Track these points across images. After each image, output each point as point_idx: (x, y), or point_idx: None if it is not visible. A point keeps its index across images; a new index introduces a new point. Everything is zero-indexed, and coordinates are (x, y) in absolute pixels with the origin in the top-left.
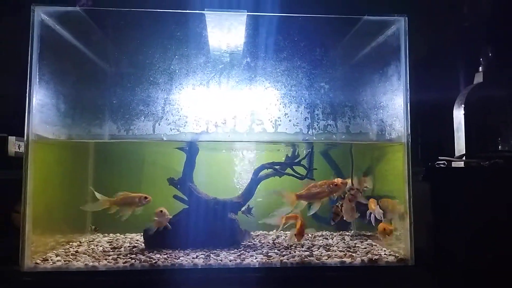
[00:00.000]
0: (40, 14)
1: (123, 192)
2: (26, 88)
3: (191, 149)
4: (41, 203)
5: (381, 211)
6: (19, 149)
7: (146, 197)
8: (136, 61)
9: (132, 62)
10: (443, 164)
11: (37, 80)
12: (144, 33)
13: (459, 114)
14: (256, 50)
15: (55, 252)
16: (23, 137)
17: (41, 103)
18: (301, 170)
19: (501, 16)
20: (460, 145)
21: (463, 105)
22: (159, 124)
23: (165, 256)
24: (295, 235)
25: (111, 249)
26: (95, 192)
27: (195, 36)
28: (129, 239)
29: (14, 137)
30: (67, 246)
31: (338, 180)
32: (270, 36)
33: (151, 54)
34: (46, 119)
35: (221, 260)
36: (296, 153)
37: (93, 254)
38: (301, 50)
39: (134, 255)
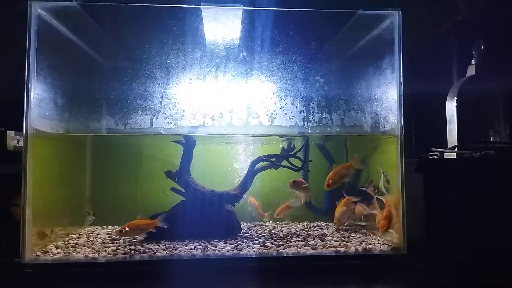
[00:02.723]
0: (37, 9)
1: None
2: (24, 83)
3: (188, 142)
4: (40, 197)
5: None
6: (17, 143)
7: None
8: (133, 55)
9: (129, 56)
10: (436, 155)
11: (35, 74)
12: (141, 28)
13: (451, 107)
14: (252, 44)
15: (55, 244)
16: (22, 131)
17: (39, 98)
18: (297, 163)
19: (494, 9)
20: (452, 137)
21: (455, 98)
22: (157, 118)
23: (164, 247)
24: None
25: (110, 241)
26: None
27: (191, 31)
28: None
29: (13, 131)
30: (67, 238)
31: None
32: (266, 30)
33: (148, 49)
34: (44, 113)
35: (218, 251)
36: (291, 146)
37: (93, 246)
38: (297, 44)
39: (133, 247)
